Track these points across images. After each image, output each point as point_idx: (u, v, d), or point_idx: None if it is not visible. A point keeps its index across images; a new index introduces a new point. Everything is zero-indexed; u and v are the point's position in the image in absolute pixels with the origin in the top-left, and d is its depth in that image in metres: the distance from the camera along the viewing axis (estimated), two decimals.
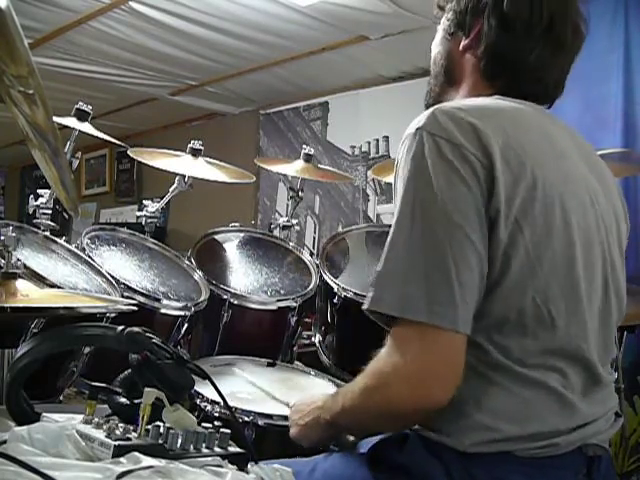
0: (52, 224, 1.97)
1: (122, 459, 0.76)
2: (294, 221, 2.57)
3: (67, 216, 5.18)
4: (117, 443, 0.78)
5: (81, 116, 2.13)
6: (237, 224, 2.56)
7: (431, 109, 1.00)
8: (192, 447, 0.84)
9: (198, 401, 1.47)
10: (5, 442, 0.78)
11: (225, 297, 1.98)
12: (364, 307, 0.99)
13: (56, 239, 1.80)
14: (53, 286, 1.46)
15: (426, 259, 0.93)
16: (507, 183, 0.94)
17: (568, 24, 1.10)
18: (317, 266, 2.15)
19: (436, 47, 1.20)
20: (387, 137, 4.35)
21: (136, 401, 0.88)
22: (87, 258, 1.77)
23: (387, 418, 1.00)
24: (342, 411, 1.04)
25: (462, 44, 1.13)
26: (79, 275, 1.69)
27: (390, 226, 1.00)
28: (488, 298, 0.96)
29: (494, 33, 1.08)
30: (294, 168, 2.66)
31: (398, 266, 0.95)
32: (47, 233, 1.85)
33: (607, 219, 1.08)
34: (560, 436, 0.97)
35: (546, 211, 0.97)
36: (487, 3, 1.09)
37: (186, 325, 1.88)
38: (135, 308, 1.33)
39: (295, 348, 2.17)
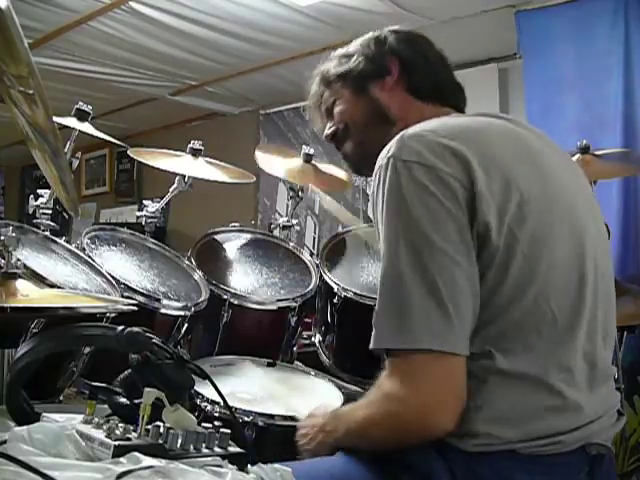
0: (52, 224, 1.97)
1: (122, 459, 0.76)
2: (294, 221, 2.56)
3: (67, 216, 5.19)
4: (117, 443, 0.78)
5: (81, 116, 2.13)
6: (237, 224, 2.55)
7: (398, 135, 1.01)
8: (192, 447, 0.84)
9: (198, 401, 1.47)
10: (5, 442, 0.78)
11: (225, 297, 1.98)
12: (371, 347, 0.99)
13: (56, 239, 1.80)
14: (53, 286, 1.46)
15: (417, 288, 0.93)
16: (494, 195, 0.95)
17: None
18: (317, 266, 2.15)
19: (352, 114, 1.26)
20: None
21: (136, 401, 0.88)
22: (87, 258, 1.77)
23: (391, 444, 1.02)
24: (345, 436, 1.06)
25: (389, 84, 1.23)
26: (79, 275, 1.69)
27: None
28: (490, 303, 0.96)
29: (411, 60, 1.24)
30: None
31: (392, 299, 0.96)
32: (47, 233, 1.85)
33: (584, 218, 1.10)
34: (564, 435, 0.97)
35: (538, 213, 0.98)
36: (390, 42, 1.25)
37: (186, 325, 1.88)
38: (135, 308, 1.33)
39: (295, 348, 2.17)
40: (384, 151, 1.01)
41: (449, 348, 0.92)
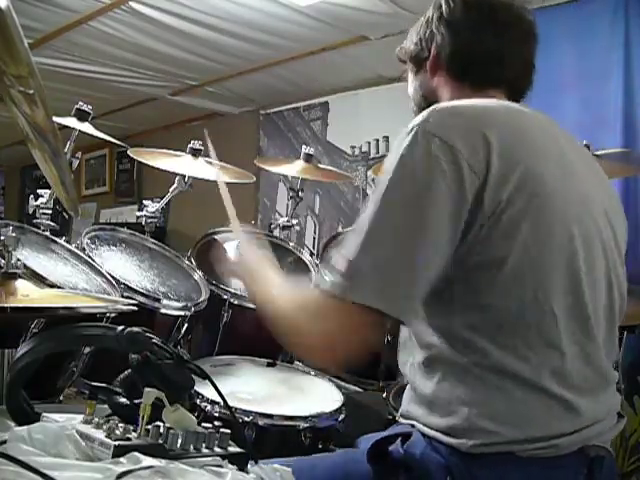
0: (52, 224, 1.97)
1: (122, 459, 0.76)
2: (294, 221, 2.57)
3: (67, 216, 5.19)
4: (117, 443, 0.78)
5: (81, 116, 2.13)
6: None
7: (431, 107, 1.00)
8: (192, 447, 0.84)
9: (198, 401, 1.47)
10: (5, 442, 0.78)
11: (225, 297, 1.98)
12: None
13: (56, 239, 1.80)
14: (53, 286, 1.46)
15: (389, 249, 0.94)
16: (504, 190, 0.94)
17: (510, 9, 1.16)
18: (317, 266, 2.15)
19: (411, 91, 1.27)
20: (387, 137, 4.35)
21: (136, 401, 0.88)
22: (87, 258, 1.77)
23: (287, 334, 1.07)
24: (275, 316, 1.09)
25: (428, 67, 1.19)
26: (79, 275, 1.69)
27: None
28: (488, 292, 0.96)
29: (446, 39, 1.15)
30: (294, 168, 2.66)
31: (358, 246, 0.95)
32: (47, 233, 1.85)
33: (609, 217, 1.09)
34: (561, 437, 0.97)
35: (545, 213, 0.97)
36: (433, 21, 1.17)
37: (186, 325, 1.88)
38: (135, 308, 1.33)
39: None
40: (414, 120, 0.99)
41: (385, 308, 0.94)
